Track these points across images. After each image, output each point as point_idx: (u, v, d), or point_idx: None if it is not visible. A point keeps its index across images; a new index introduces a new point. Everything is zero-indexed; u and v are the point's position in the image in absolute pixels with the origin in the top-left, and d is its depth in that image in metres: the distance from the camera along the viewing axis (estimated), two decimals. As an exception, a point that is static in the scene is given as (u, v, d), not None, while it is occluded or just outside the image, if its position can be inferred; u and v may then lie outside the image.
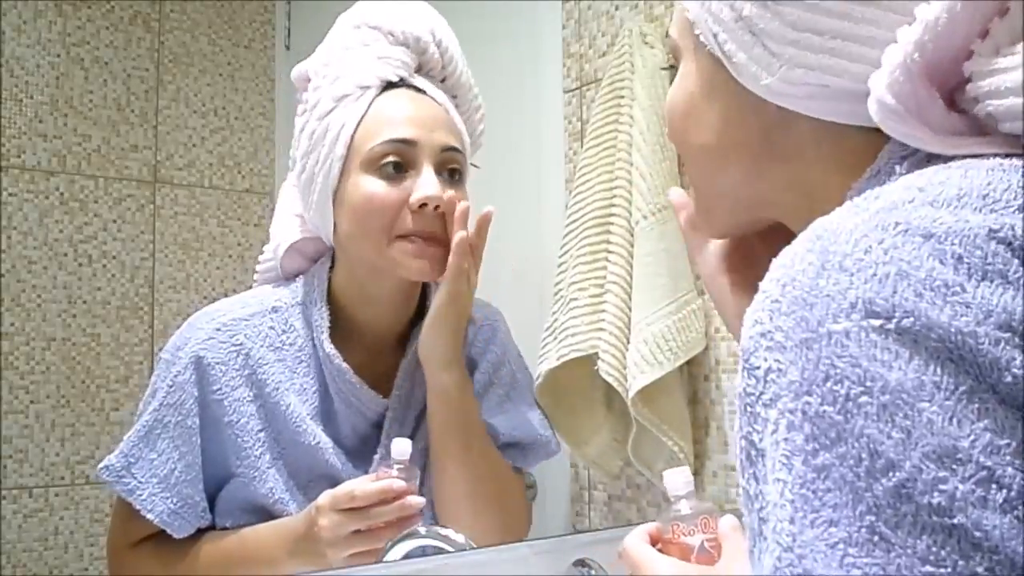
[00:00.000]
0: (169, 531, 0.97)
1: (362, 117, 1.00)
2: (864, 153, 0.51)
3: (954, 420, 0.37)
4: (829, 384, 0.39)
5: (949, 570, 0.36)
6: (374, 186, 0.99)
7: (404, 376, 1.06)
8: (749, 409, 0.43)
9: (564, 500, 1.40)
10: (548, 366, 1.24)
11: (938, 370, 0.38)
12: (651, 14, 1.36)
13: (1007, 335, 0.38)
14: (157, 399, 0.98)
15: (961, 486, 0.36)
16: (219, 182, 1.32)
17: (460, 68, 1.08)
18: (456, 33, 1.09)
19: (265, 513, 0.99)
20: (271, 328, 1.02)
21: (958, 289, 0.39)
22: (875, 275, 0.40)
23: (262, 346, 1.01)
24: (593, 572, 1.01)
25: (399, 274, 1.01)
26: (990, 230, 0.40)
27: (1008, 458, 0.37)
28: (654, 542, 0.76)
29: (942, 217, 0.41)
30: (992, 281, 0.39)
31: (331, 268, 1.06)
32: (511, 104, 1.43)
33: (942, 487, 0.36)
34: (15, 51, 1.19)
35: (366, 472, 1.02)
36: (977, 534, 0.36)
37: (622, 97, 1.29)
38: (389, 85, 1.02)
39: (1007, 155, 0.45)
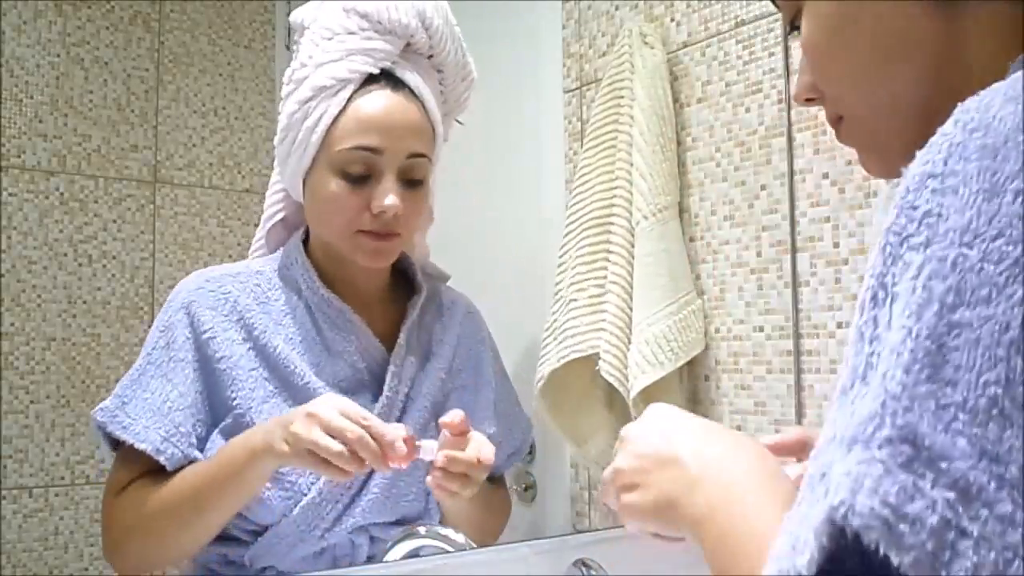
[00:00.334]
0: (161, 460, 0.97)
1: (337, 116, 1.04)
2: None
3: None
4: (999, 242, 0.36)
5: None
6: (338, 188, 1.04)
7: (404, 338, 1.09)
8: (891, 249, 0.40)
9: (564, 500, 1.40)
10: (550, 367, 1.24)
11: None
12: (651, 14, 1.36)
13: None
14: (149, 344, 1.02)
15: None
16: (219, 182, 1.32)
17: (448, 46, 1.09)
18: (456, 33, 1.09)
19: None
20: (256, 285, 1.08)
21: None
22: None
23: (248, 298, 1.06)
24: (593, 572, 1.01)
25: (356, 260, 1.07)
26: None
27: None
28: None
29: None
30: None
31: (307, 233, 1.12)
32: (511, 104, 1.43)
33: None
34: (15, 51, 1.19)
35: None
36: None
37: (622, 97, 1.29)
38: (369, 78, 1.05)
39: None
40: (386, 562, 0.96)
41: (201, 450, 1.00)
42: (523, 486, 1.38)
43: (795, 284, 1.22)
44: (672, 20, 1.36)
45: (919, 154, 0.41)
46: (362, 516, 1.03)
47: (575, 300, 1.25)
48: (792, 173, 1.24)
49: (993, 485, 0.34)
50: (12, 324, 1.16)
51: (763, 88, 1.27)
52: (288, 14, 1.13)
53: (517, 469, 1.36)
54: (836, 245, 1.19)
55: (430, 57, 1.09)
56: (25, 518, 1.15)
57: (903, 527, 0.34)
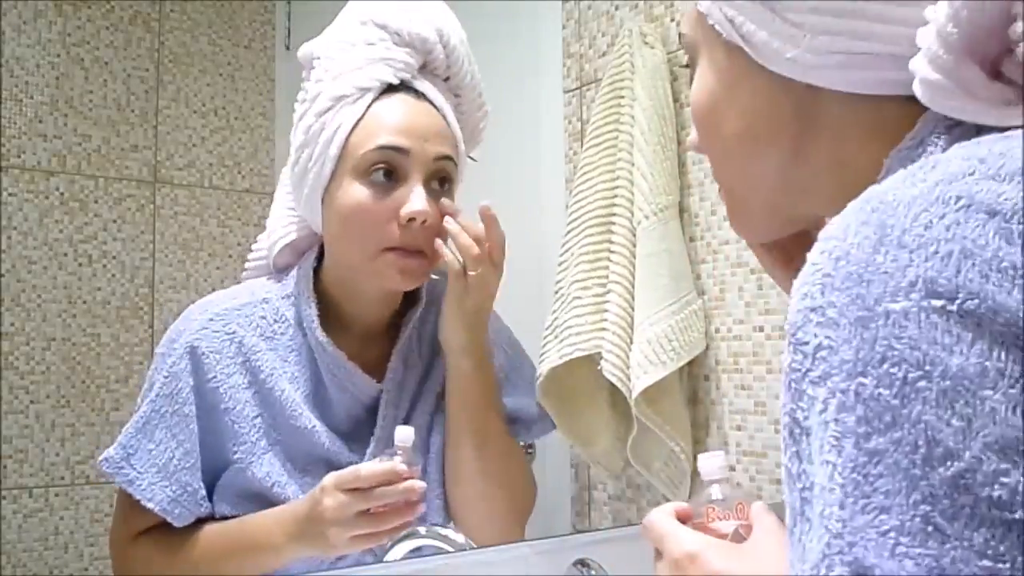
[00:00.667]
0: (169, 519, 0.97)
1: (357, 121, 1.00)
2: (901, 122, 0.49)
3: (1018, 410, 0.35)
4: (886, 366, 0.37)
5: (1008, 565, 0.34)
6: (362, 195, 1.00)
7: (398, 360, 1.08)
8: (795, 386, 0.40)
9: (564, 500, 1.40)
10: (551, 364, 1.24)
11: (1003, 356, 0.36)
12: (651, 14, 1.36)
13: None
14: (154, 391, 0.99)
15: None
16: (219, 182, 1.32)
17: (465, 68, 1.08)
18: (456, 33, 1.09)
19: (263, 499, 0.99)
20: (262, 318, 1.03)
21: None
22: (937, 253, 0.38)
23: (254, 335, 1.02)
24: (593, 572, 1.01)
25: (381, 284, 1.04)
26: None
27: None
28: (682, 520, 0.72)
29: (1007, 193, 0.38)
30: None
31: (320, 260, 1.07)
32: (511, 104, 1.43)
33: (1003, 480, 0.35)
34: (15, 51, 1.19)
35: (362, 456, 1.03)
36: None
37: (622, 97, 1.29)
38: (389, 88, 1.02)
39: None
40: (386, 562, 0.96)
41: (209, 500, 0.99)
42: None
43: (795, 284, 1.22)
44: (672, 20, 1.35)
45: (795, 285, 0.42)
46: None
47: (579, 298, 1.25)
48: (792, 173, 1.24)
49: None
50: (12, 324, 1.16)
51: (763, 88, 1.27)
52: (288, 14, 1.13)
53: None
54: (836, 245, 1.19)
55: (447, 80, 1.07)
56: (25, 518, 1.15)
57: None
